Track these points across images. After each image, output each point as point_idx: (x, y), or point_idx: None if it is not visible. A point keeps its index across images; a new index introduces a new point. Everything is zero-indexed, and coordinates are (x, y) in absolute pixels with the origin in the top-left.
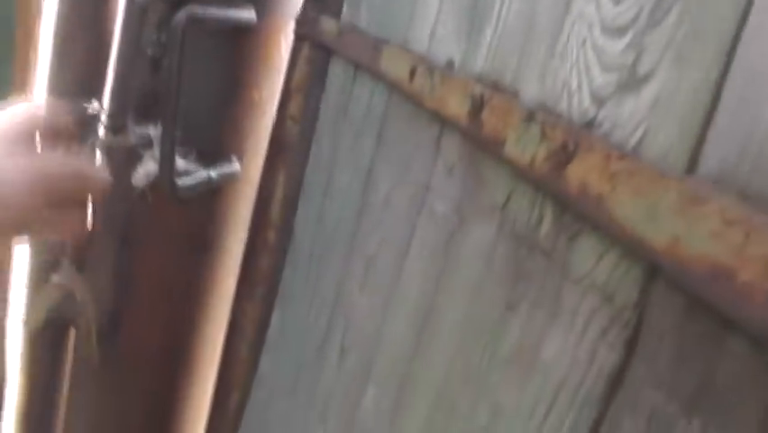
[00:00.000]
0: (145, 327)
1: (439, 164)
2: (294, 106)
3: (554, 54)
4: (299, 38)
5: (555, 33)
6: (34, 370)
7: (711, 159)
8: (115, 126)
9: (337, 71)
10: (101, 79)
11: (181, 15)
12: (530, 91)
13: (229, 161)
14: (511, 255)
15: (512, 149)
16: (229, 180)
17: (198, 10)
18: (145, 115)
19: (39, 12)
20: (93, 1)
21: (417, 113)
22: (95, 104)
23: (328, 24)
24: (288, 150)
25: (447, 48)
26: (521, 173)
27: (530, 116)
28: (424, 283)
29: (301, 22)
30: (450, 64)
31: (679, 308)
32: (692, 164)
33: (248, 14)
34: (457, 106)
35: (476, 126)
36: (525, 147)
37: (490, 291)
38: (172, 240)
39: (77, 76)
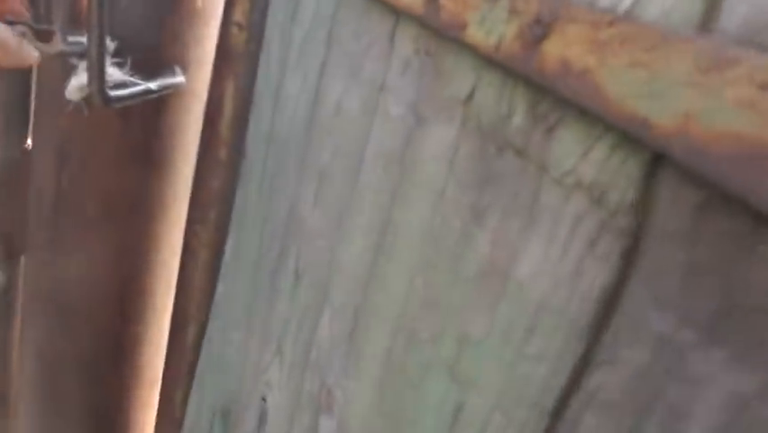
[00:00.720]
0: (91, 253)
1: (393, 61)
2: (239, 12)
3: None
4: None
5: None
6: None
7: (734, 12)
8: (40, 32)
9: None
10: None
11: None
12: None
13: (172, 72)
14: (477, 155)
15: (475, 33)
16: (173, 93)
17: None
18: (78, 23)
19: None
20: None
21: (369, 7)
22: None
23: None
24: (236, 60)
25: None
26: (486, 59)
27: None
28: (379, 196)
29: None
30: None
31: (693, 204)
32: (707, 21)
33: None
34: None
35: (433, 12)
36: (491, 28)
37: (454, 199)
38: (115, 156)
39: None
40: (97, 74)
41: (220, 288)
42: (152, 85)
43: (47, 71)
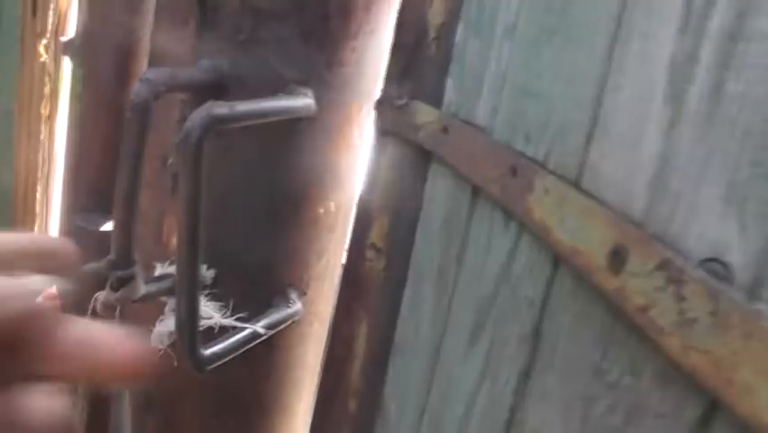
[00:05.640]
0: None
1: None
2: (376, 232)
3: None
4: (381, 132)
5: None
6: None
7: None
8: (120, 279)
9: (442, 186)
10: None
11: (195, 119)
12: None
13: (286, 300)
14: None
15: None
16: (287, 324)
17: (222, 108)
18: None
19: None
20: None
21: (637, 341)
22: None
23: (424, 114)
24: (370, 291)
25: (711, 225)
26: None
27: None
28: None
29: (383, 109)
30: (721, 269)
31: None
32: None
33: (303, 103)
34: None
35: None
36: None
37: None
38: (213, 403)
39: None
40: (188, 330)
41: None
42: (260, 327)
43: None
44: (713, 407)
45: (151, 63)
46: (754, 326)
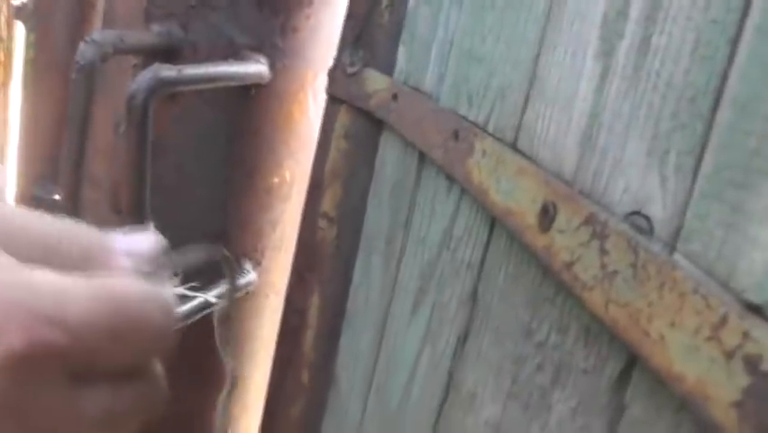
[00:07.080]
0: None
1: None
2: (328, 200)
3: None
4: (333, 99)
5: None
6: None
7: None
8: None
9: (392, 154)
10: None
11: (141, 81)
12: None
13: (240, 269)
14: None
15: None
16: (242, 293)
17: (170, 71)
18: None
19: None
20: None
21: (564, 299)
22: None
23: (375, 82)
24: (323, 262)
25: (635, 179)
26: None
27: None
28: None
29: (336, 76)
30: (644, 222)
31: None
32: None
33: (255, 68)
34: (685, 336)
35: None
36: None
37: None
38: (168, 375)
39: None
40: None
41: None
42: (211, 297)
43: None
44: (632, 361)
45: (105, 28)
46: (668, 276)
